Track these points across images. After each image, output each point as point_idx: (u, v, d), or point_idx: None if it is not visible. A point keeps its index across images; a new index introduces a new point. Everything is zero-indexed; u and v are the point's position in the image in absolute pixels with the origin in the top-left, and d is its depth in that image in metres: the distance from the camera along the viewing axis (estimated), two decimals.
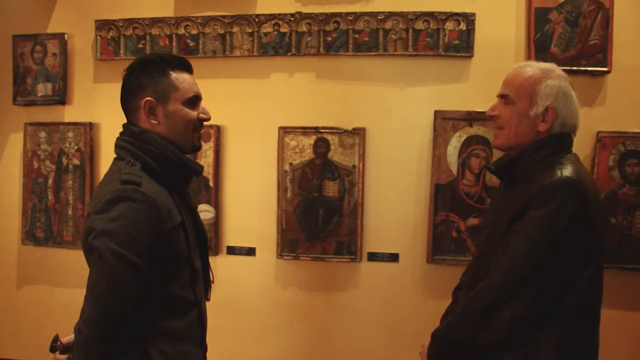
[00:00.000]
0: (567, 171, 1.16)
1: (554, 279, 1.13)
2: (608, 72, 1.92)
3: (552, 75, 1.27)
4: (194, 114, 1.18)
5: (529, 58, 1.97)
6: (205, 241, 1.27)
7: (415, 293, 2.03)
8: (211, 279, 1.28)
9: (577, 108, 1.27)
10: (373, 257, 2.02)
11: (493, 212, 1.33)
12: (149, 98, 1.13)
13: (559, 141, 1.26)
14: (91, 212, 1.06)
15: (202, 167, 1.22)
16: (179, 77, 1.17)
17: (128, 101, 1.17)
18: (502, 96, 1.29)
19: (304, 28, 2.02)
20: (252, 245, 2.06)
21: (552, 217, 1.11)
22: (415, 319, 2.03)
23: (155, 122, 1.14)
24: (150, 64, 1.17)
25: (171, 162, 1.13)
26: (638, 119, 1.97)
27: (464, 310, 1.18)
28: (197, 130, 1.20)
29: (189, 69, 1.21)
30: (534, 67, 1.28)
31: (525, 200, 1.15)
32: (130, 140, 1.14)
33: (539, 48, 1.98)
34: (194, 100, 1.18)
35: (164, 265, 1.08)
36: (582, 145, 1.98)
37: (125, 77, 1.18)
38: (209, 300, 1.25)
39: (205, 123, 1.22)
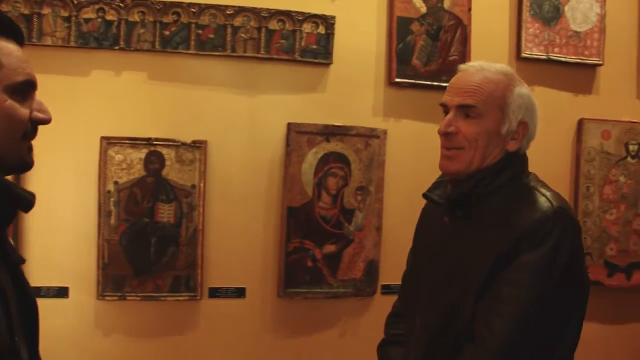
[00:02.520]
0: (552, 197, 1.32)
1: (554, 329, 1.28)
2: None
3: (517, 80, 1.40)
4: (24, 111, 1.04)
5: (390, 69, 2.48)
6: (34, 316, 1.16)
7: (265, 332, 2.41)
8: None
9: (538, 118, 1.43)
10: (216, 293, 2.36)
11: (445, 252, 1.42)
12: None
13: (522, 159, 1.42)
14: None
15: (33, 197, 1.09)
16: (4, 48, 1.02)
17: None
18: (464, 107, 1.36)
19: (136, 17, 2.27)
20: (64, 285, 2.25)
21: (551, 260, 1.24)
22: None
23: None
24: None
25: None
26: None
27: None
28: (28, 137, 1.07)
29: (19, 39, 1.08)
30: (493, 71, 1.39)
31: (512, 238, 1.26)
32: None
33: (400, 59, 2.48)
34: (26, 89, 1.05)
35: None
36: None
37: None
38: None
39: None
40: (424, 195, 1.53)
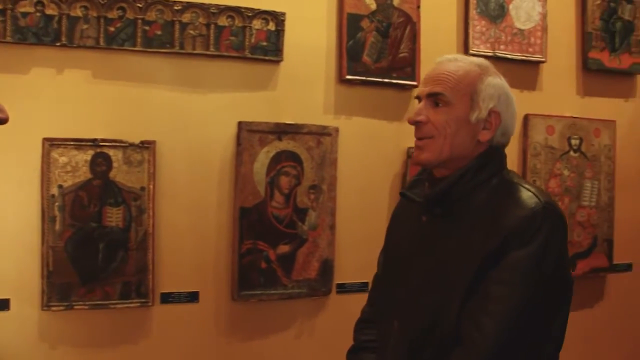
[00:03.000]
0: (538, 193, 1.33)
1: (542, 328, 1.30)
2: (416, 86, 2.60)
3: (490, 71, 1.43)
4: None
5: (340, 66, 2.53)
6: None
7: (220, 336, 2.42)
8: None
9: (516, 113, 1.46)
10: (168, 298, 2.35)
11: (424, 252, 1.42)
12: None
13: (502, 155, 1.44)
14: None
15: None
16: None
17: None
18: (433, 95, 1.40)
19: (79, 12, 2.21)
20: (4, 297, 2.18)
21: (541, 257, 1.25)
22: None
23: None
24: None
25: None
26: None
27: None
28: None
29: None
30: (467, 62, 1.43)
31: (500, 236, 1.26)
32: None
33: (351, 56, 2.53)
34: None
35: None
36: (391, 162, 2.67)
37: None
38: None
39: None
40: (402, 194, 1.53)
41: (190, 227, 2.42)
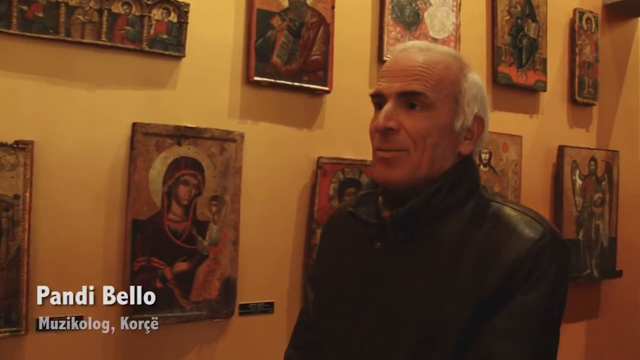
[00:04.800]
0: (539, 218, 1.12)
1: None
2: (328, 92, 2.56)
3: (467, 65, 1.21)
4: None
5: (248, 66, 2.42)
6: None
7: None
8: None
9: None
10: (45, 326, 2.09)
11: (381, 290, 1.18)
12: None
13: (476, 168, 1.24)
14: None
15: None
16: None
17: None
18: (408, 95, 1.14)
19: None
20: None
21: (550, 301, 1.06)
22: None
23: None
24: None
25: None
26: (354, 145, 2.62)
27: None
28: None
29: None
30: (442, 53, 1.19)
31: (500, 273, 1.06)
32: None
33: (260, 56, 2.42)
34: None
35: None
36: (300, 172, 2.57)
37: None
38: None
39: None
40: (350, 213, 1.24)
41: (73, 242, 2.18)
